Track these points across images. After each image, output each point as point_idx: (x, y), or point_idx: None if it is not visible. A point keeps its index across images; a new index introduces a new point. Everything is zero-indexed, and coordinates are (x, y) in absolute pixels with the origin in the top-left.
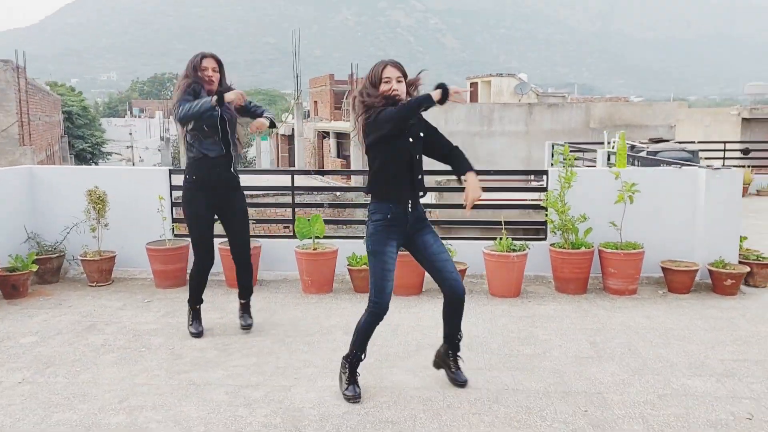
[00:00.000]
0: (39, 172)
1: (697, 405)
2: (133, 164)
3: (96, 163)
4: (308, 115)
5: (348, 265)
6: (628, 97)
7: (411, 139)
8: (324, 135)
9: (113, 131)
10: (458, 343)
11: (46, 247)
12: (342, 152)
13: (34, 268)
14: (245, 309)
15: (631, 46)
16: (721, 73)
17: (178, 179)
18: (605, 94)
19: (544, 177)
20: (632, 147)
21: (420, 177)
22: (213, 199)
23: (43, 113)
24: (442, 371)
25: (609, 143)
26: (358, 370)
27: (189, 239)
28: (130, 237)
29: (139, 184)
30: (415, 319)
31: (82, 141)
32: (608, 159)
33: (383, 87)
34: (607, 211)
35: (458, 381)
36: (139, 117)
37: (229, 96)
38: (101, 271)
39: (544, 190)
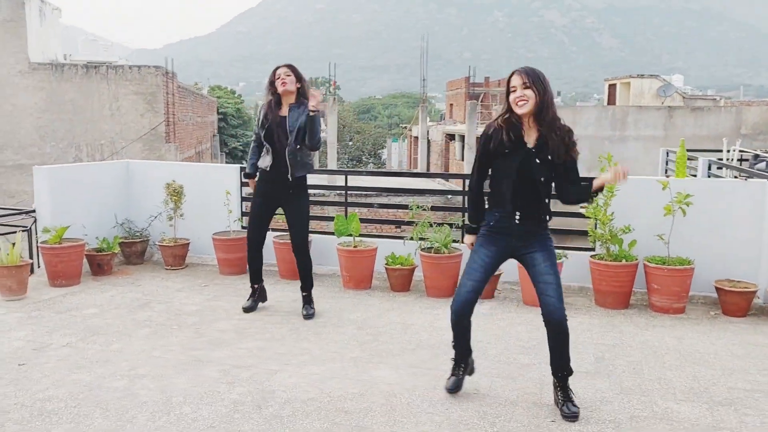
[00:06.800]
0: (134, 167)
1: (666, 431)
2: None
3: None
4: (443, 118)
5: (386, 264)
6: None
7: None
8: (450, 138)
9: None
10: (564, 378)
11: (134, 233)
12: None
13: (117, 250)
14: (305, 300)
15: None
16: None
17: None
18: None
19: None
20: (756, 156)
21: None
22: (270, 195)
23: (195, 114)
24: (432, 371)
25: (729, 151)
26: (465, 365)
27: None
28: (204, 226)
29: (213, 180)
30: (432, 319)
31: (234, 140)
32: (709, 168)
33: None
34: (657, 223)
35: (564, 413)
36: None
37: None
38: (175, 257)
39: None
